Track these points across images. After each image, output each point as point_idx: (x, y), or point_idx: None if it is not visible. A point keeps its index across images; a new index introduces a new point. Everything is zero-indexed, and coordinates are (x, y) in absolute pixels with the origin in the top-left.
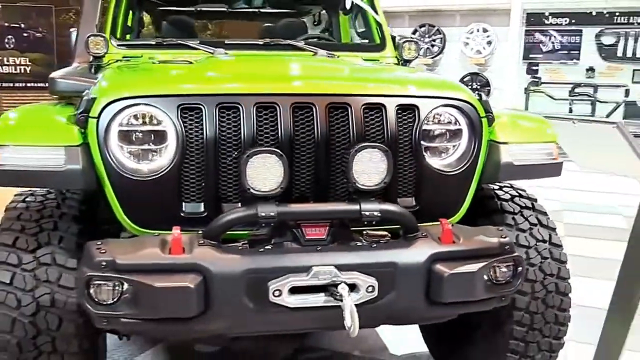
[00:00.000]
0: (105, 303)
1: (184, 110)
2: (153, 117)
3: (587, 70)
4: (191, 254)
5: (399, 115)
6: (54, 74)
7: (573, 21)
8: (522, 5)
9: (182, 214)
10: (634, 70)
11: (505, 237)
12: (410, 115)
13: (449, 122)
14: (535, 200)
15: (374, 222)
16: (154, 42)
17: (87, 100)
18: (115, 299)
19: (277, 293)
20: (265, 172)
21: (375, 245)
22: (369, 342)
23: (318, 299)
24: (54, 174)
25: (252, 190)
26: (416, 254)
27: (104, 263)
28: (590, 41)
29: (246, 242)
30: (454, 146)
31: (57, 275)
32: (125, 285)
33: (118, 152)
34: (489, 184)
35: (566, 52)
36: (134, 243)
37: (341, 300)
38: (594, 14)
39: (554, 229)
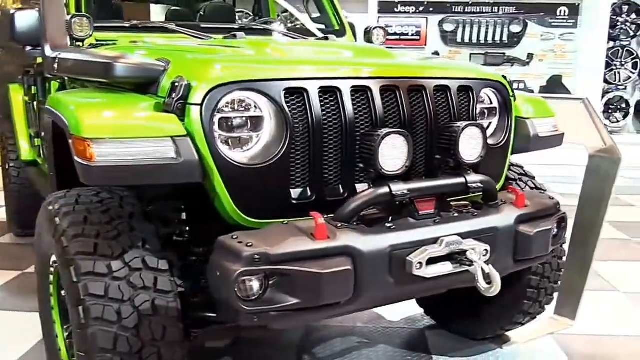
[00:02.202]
0: (251, 299)
1: (287, 94)
2: (255, 102)
3: (433, 54)
4: (339, 238)
5: (459, 96)
6: (114, 59)
7: (419, 10)
8: None
9: (292, 201)
10: (470, 54)
11: (553, 198)
12: (466, 96)
13: (484, 101)
14: (523, 167)
15: (476, 193)
16: (128, 25)
17: (184, 86)
18: (261, 293)
19: (418, 266)
20: (394, 152)
21: (476, 213)
22: (365, 315)
23: (449, 267)
24: (169, 168)
25: (383, 171)
26: (507, 217)
27: (257, 256)
28: (434, 28)
29: (359, 221)
30: (488, 123)
31: (153, 279)
32: (275, 277)
33: (221, 141)
34: (519, 154)
35: (414, 37)
36: (269, 233)
37: (469, 265)
38: (438, 3)
39: (545, 191)
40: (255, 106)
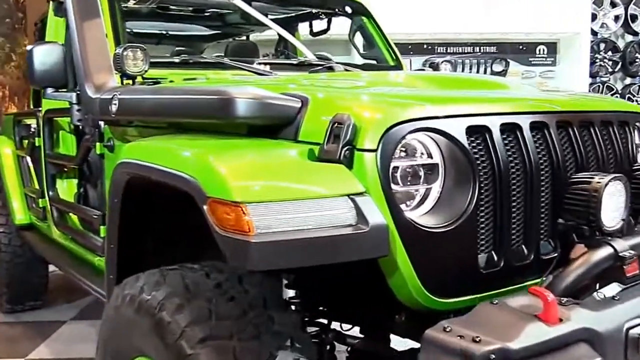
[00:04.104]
0: None
1: (467, 134)
2: (427, 146)
3: None
4: (572, 319)
5: (619, 131)
6: (235, 95)
7: (402, 52)
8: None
9: (481, 270)
10: None
11: None
12: (623, 131)
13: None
14: None
15: None
16: (177, 60)
17: (351, 127)
18: None
19: None
20: (615, 202)
21: None
22: None
23: None
24: (353, 239)
25: (604, 227)
26: None
27: (494, 355)
28: (419, 67)
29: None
30: None
31: None
32: None
33: (398, 198)
34: None
35: None
36: (486, 320)
37: None
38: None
39: None
40: (426, 151)
